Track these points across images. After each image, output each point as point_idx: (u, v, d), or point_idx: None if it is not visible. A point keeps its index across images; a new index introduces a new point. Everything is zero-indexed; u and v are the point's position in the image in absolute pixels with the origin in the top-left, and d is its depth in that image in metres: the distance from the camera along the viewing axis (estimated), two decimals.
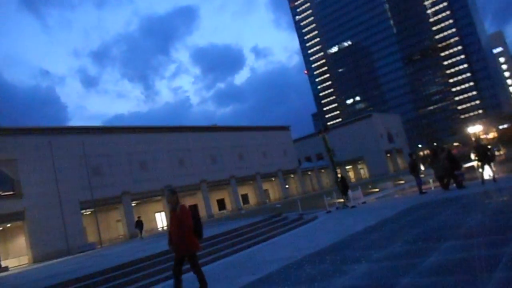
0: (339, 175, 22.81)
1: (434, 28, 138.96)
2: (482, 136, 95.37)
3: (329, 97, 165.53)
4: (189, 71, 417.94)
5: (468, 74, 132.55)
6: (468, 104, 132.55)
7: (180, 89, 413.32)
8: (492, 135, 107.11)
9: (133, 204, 43.51)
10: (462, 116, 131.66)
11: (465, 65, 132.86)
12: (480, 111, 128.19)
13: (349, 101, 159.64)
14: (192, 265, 6.77)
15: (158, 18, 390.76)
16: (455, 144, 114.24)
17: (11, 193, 34.12)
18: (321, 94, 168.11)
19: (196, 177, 50.57)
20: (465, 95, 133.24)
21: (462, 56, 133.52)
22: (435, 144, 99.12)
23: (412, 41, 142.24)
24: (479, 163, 16.59)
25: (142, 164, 45.34)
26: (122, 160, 43.55)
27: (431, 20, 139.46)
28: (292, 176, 68.99)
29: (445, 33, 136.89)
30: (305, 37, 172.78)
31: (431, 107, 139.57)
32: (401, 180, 37.32)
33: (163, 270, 10.55)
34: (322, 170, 79.70)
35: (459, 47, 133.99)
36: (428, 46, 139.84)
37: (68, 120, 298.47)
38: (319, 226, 15.50)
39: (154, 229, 46.24)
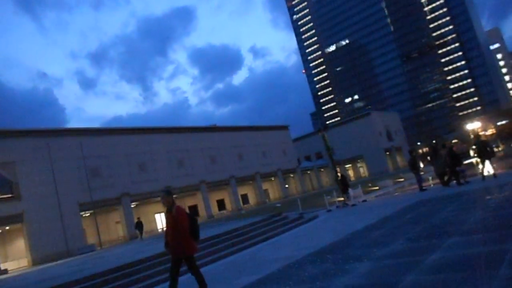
0: (338, 174, 22.75)
1: (431, 26, 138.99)
2: (481, 133, 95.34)
3: (327, 96, 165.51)
4: (187, 72, 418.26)
5: (466, 71, 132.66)
6: (466, 101, 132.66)
7: (179, 90, 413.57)
8: (490, 131, 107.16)
9: (132, 206, 43.39)
10: (460, 113, 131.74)
11: (463, 62, 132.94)
12: (478, 108, 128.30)
13: (348, 100, 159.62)
14: (190, 267, 6.66)
15: (155, 19, 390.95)
16: (454, 141, 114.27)
17: (10, 195, 34.00)
18: (319, 93, 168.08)
19: (196, 177, 50.46)
20: (463, 92, 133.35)
21: (460, 53, 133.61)
22: (434, 141, 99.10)
23: (410, 39, 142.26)
24: (479, 159, 16.56)
25: (141, 165, 45.23)
26: (121, 162, 43.43)
27: (428, 17, 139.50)
28: (292, 175, 68.92)
29: (442, 31, 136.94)
30: (303, 36, 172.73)
31: (430, 105, 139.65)
32: (400, 178, 37.28)
33: (163, 271, 10.46)
34: (322, 169, 79.66)
35: (457, 44, 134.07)
36: (425, 43, 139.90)
37: (67, 122, 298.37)
38: (319, 225, 15.43)
39: (154, 230, 46.12)
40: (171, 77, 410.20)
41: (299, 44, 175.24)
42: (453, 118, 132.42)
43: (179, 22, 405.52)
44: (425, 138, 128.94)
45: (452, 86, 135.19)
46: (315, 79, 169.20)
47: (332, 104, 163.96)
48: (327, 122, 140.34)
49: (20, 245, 35.60)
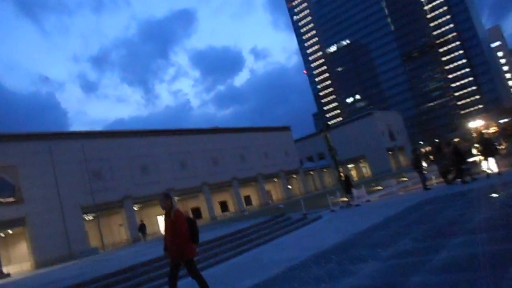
0: (341, 174, 22.63)
1: (432, 25, 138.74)
2: (483, 131, 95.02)
3: (329, 96, 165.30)
4: (188, 74, 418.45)
5: (467, 69, 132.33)
6: (468, 100, 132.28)
7: (180, 92, 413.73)
8: (493, 129, 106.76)
9: (135, 208, 43.35)
10: (462, 112, 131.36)
11: (464, 60, 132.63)
12: (480, 106, 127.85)
13: (349, 100, 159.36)
14: (190, 270, 6.53)
15: (156, 22, 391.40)
16: (456, 139, 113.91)
17: (12, 199, 33.98)
18: (321, 94, 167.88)
19: (198, 179, 50.38)
20: (465, 91, 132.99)
21: (461, 52, 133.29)
22: (436, 140, 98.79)
23: (410, 38, 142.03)
24: (483, 157, 16.42)
25: (143, 168, 45.18)
26: (123, 164, 43.39)
27: (429, 16, 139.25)
28: (294, 176, 68.77)
29: (443, 29, 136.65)
30: (304, 37, 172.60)
31: (431, 104, 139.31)
32: (404, 177, 37.07)
33: (165, 274, 10.31)
34: (324, 170, 79.48)
35: (457, 43, 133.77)
36: (426, 42, 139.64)
37: (69, 126, 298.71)
38: (323, 225, 15.32)
39: (157, 232, 46.03)
40: (172, 80, 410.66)
41: (300, 45, 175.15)
42: (455, 116, 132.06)
43: (179, 25, 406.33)
44: (427, 137, 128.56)
45: (453, 85, 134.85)
46: (316, 79, 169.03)
47: (333, 105, 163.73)
48: (329, 123, 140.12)
49: (22, 248, 35.57)
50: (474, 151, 21.39)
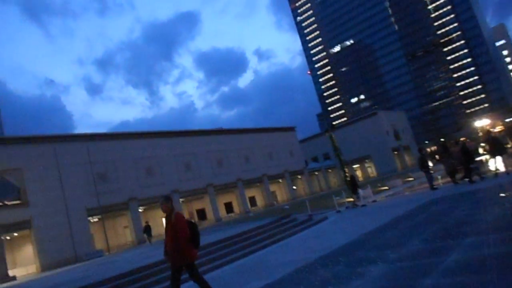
0: (347, 174, 22.47)
1: (436, 24, 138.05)
2: (490, 130, 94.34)
3: (333, 96, 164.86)
4: (192, 76, 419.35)
5: (472, 68, 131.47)
6: (473, 99, 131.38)
7: (185, 94, 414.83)
8: (499, 128, 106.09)
9: (140, 210, 43.34)
10: (468, 111, 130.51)
11: (469, 59, 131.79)
12: (486, 105, 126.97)
13: (354, 100, 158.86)
14: (191, 274, 6.39)
15: (160, 25, 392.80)
16: (462, 139, 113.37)
17: (18, 202, 34.06)
18: (325, 94, 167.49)
19: (203, 181, 50.33)
20: (470, 90, 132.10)
21: (465, 51, 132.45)
22: (442, 139, 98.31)
23: (414, 37, 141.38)
24: (491, 156, 16.21)
25: (148, 170, 45.19)
26: (128, 166, 43.42)
27: (433, 15, 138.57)
28: (299, 177, 68.55)
29: (447, 28, 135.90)
30: (307, 38, 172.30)
31: (436, 103, 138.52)
32: (410, 177, 36.83)
33: (170, 277, 10.25)
34: (330, 170, 79.22)
35: (462, 42, 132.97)
36: (430, 42, 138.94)
37: (74, 129, 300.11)
38: (329, 226, 15.16)
39: (162, 234, 45.95)
40: (177, 82, 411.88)
41: (303, 46, 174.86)
42: (461, 116, 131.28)
43: (183, 27, 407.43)
44: (433, 137, 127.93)
45: (458, 84, 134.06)
46: (320, 80, 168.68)
47: (338, 105, 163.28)
48: (334, 123, 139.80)
49: (28, 251, 35.63)
50: (480, 150, 21.13)
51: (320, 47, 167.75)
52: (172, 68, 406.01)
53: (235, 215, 52.89)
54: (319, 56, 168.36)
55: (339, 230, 13.33)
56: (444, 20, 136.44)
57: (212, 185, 51.08)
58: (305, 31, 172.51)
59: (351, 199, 21.55)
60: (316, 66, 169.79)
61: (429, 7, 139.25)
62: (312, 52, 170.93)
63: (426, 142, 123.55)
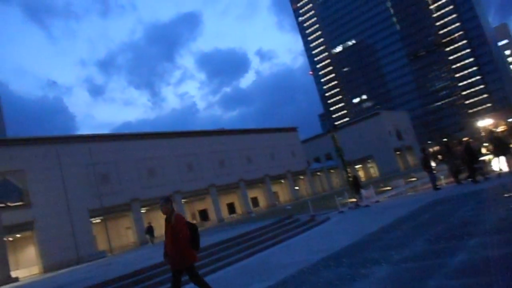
0: (349, 174, 22.39)
1: (438, 24, 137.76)
2: (493, 129, 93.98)
3: (335, 96, 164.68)
4: (194, 77, 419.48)
5: (475, 68, 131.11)
6: (476, 98, 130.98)
7: (186, 94, 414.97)
8: (502, 128, 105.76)
9: (142, 211, 43.33)
10: (470, 111, 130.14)
11: (471, 59, 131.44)
12: (489, 105, 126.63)
13: (356, 100, 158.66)
14: (191, 276, 6.31)
15: (162, 26, 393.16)
16: (465, 138, 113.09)
17: (20, 203, 34.10)
18: (327, 94, 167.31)
19: (205, 181, 50.31)
20: (472, 90, 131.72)
21: (468, 50, 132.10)
22: (445, 139, 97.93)
23: (416, 37, 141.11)
24: (494, 156, 16.11)
25: (150, 170, 45.20)
26: (130, 167, 43.43)
27: (434, 15, 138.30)
28: (302, 177, 68.46)
29: (449, 28, 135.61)
30: (309, 38, 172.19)
31: (439, 103, 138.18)
32: (412, 177, 36.72)
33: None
34: (332, 171, 79.06)
35: (464, 42, 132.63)
36: (432, 41, 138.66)
37: (77, 130, 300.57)
38: (332, 227, 15.09)
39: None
40: (178, 82, 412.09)
41: (305, 46, 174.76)
42: (463, 115, 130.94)
43: (185, 28, 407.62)
44: (435, 137, 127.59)
45: (461, 84, 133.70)
46: (322, 80, 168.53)
47: (340, 105, 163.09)
48: (336, 123, 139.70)
49: (31, 252, 35.64)
50: (483, 150, 21.02)
51: (322, 48, 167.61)
52: (174, 69, 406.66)
53: (237, 216, 52.85)
54: (321, 56, 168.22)
55: (342, 231, 13.26)
56: (446, 20, 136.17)
57: (214, 185, 51.05)
58: (307, 32, 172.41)
59: (354, 200, 21.46)
60: (318, 66, 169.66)
61: (431, 7, 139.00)
62: (314, 52, 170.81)
63: (429, 142, 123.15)
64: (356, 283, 5.89)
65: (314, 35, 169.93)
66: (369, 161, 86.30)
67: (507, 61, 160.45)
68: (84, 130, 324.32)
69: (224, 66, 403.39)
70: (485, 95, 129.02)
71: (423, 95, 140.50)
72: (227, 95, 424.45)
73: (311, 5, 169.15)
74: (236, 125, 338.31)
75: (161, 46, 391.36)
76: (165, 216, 6.44)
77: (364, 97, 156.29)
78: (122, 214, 43.89)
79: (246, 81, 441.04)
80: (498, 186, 13.31)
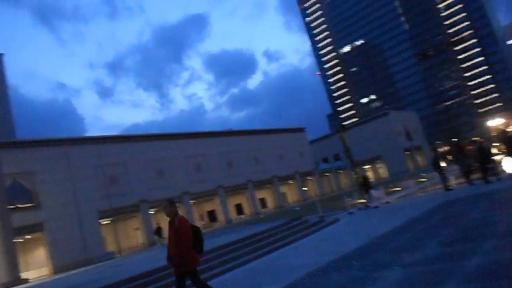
0: (355, 175, 22.18)
1: (447, 23, 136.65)
2: (505, 129, 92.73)
3: (343, 97, 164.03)
4: (202, 78, 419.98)
5: (484, 67, 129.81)
6: (486, 98, 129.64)
7: (194, 96, 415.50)
8: None
9: (151, 212, 43.40)
10: (480, 110, 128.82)
11: (481, 58, 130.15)
12: (499, 104, 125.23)
13: (364, 100, 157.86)
14: (194, 281, 6.19)
15: (170, 27, 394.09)
16: (475, 138, 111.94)
17: (30, 205, 34.33)
18: (335, 95, 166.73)
19: (213, 182, 50.29)
20: (482, 89, 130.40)
21: (477, 49, 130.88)
22: (455, 139, 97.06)
23: (425, 36, 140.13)
24: (506, 156, 15.83)
25: (158, 172, 45.28)
26: (138, 168, 43.55)
27: (443, 14, 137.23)
28: (310, 178, 68.18)
29: (458, 27, 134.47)
30: (316, 38, 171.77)
31: (448, 103, 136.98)
32: (423, 178, 36.32)
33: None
34: (340, 171, 78.65)
35: (474, 40, 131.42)
36: (441, 41, 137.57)
37: (85, 132, 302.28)
38: (342, 228, 14.91)
39: None
40: (186, 84, 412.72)
41: (313, 46, 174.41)
42: (473, 115, 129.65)
43: (193, 29, 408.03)
44: (445, 137, 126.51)
45: (470, 83, 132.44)
46: (330, 80, 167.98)
47: (348, 105, 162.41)
48: (344, 123, 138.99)
49: (40, 254, 35.85)
50: (494, 150, 20.67)
51: (329, 48, 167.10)
52: (182, 71, 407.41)
53: (246, 217, 52.78)
54: (329, 56, 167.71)
55: (351, 233, 13.09)
56: (455, 18, 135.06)
57: (222, 186, 51.02)
58: (314, 32, 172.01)
59: (363, 201, 21.25)
60: (325, 66, 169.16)
61: (440, 6, 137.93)
62: (321, 52, 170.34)
63: (438, 142, 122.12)
64: (369, 287, 5.74)
65: (322, 35, 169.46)
66: (378, 161, 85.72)
67: None
68: (93, 131, 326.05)
69: (231, 67, 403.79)
70: (495, 94, 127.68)
71: (432, 94, 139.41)
72: (234, 96, 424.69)
73: (318, 5, 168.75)
74: (244, 126, 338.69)
75: (169, 47, 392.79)
76: (169, 219, 6.36)
77: (373, 97, 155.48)
78: (130, 215, 44.02)
79: (254, 82, 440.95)
80: (511, 187, 13.06)
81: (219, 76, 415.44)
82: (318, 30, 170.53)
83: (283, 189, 62.80)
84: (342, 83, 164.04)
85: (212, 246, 13.46)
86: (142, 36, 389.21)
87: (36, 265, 35.34)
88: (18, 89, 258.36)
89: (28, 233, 34.48)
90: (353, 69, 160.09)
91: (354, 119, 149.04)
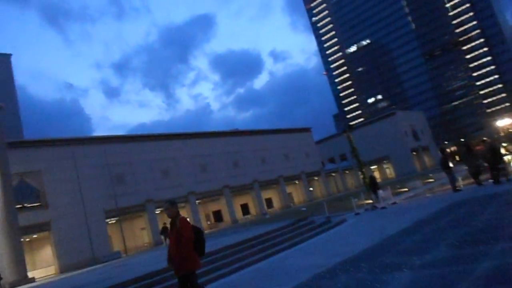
0: (361, 176, 22.03)
1: (454, 22, 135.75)
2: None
3: (350, 97, 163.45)
4: (208, 78, 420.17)
5: (492, 67, 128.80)
6: (494, 98, 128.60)
7: (200, 96, 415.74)
8: None
9: (157, 212, 43.45)
10: (488, 110, 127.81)
11: (489, 58, 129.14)
12: (507, 104, 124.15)
13: (371, 100, 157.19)
14: (191, 285, 6.07)
15: (176, 28, 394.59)
16: (484, 139, 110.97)
17: (37, 204, 34.48)
18: (341, 95, 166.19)
19: (219, 182, 50.25)
20: (490, 89, 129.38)
21: (485, 49, 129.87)
22: (462, 140, 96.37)
23: (432, 36, 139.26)
24: None
25: (164, 171, 45.32)
26: (144, 168, 43.62)
27: (451, 14, 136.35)
28: (316, 178, 67.95)
29: (466, 27, 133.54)
30: (323, 38, 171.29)
31: (456, 103, 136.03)
32: (430, 179, 36.05)
33: None
34: (347, 171, 78.30)
35: (481, 40, 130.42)
36: (448, 40, 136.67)
37: (92, 131, 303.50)
38: (349, 229, 14.78)
39: None
40: (192, 84, 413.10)
41: (319, 46, 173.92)
42: (481, 115, 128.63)
43: (199, 30, 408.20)
44: (453, 137, 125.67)
45: (478, 83, 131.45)
46: (336, 80, 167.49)
47: (355, 105, 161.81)
48: (350, 123, 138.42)
49: (47, 253, 36.01)
50: (502, 150, 20.42)
51: (336, 47, 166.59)
52: (188, 71, 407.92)
53: (252, 217, 52.69)
54: (335, 56, 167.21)
55: (359, 234, 12.96)
56: (462, 18, 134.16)
57: (228, 186, 50.97)
58: (321, 32, 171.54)
59: (370, 201, 21.08)
60: (332, 66, 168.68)
61: (447, 5, 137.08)
62: (328, 52, 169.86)
63: (446, 142, 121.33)
64: None
65: (328, 35, 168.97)
66: (384, 161, 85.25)
67: None
68: (100, 131, 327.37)
69: (237, 67, 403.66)
70: (503, 94, 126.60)
71: (440, 94, 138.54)
72: (240, 96, 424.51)
73: (324, 5, 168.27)
74: (250, 126, 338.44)
75: (175, 48, 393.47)
76: (170, 220, 6.29)
77: (379, 97, 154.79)
78: (137, 215, 44.10)
79: (260, 82, 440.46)
80: None
81: (225, 76, 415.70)
82: (324, 30, 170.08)
83: (289, 189, 62.64)
84: (349, 83, 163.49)
85: (217, 247, 13.39)
86: (149, 36, 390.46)
87: (43, 264, 35.51)
88: (26, 89, 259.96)
89: (35, 232, 34.64)
90: (360, 69, 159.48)
91: (360, 119, 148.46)
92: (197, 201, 47.80)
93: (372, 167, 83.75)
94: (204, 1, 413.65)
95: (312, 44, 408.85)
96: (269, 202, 59.02)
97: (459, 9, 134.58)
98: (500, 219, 8.58)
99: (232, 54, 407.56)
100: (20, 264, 26.62)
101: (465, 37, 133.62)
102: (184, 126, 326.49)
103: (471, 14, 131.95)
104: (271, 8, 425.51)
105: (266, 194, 58.15)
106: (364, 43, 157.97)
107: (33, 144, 37.24)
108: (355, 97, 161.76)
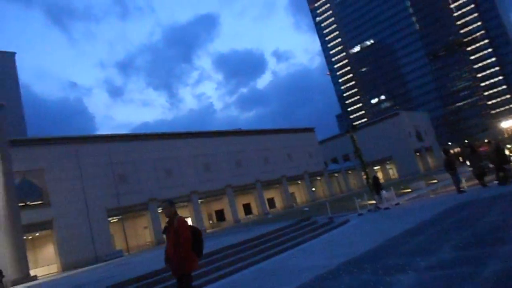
0: (364, 177, 21.91)
1: (459, 23, 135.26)
2: None
3: (353, 97, 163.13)
4: (211, 78, 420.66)
5: (497, 68, 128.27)
6: (498, 99, 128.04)
7: (204, 95, 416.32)
8: None
9: (159, 211, 43.43)
10: (493, 111, 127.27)
11: (493, 59, 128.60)
12: None
13: (374, 101, 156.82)
14: (186, 286, 5.96)
15: (180, 27, 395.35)
16: (489, 139, 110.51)
17: (40, 202, 34.53)
18: (345, 95, 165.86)
19: (222, 182, 50.20)
20: (495, 90, 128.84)
21: (489, 50, 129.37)
22: (466, 141, 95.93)
23: (436, 37, 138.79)
24: None
25: (167, 171, 45.30)
26: (147, 167, 43.61)
27: (455, 14, 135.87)
28: (319, 178, 67.84)
29: (470, 27, 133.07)
30: (326, 38, 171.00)
31: (460, 103, 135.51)
32: (434, 179, 35.86)
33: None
34: (349, 172, 78.17)
35: (486, 41, 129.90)
36: (453, 41, 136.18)
37: (96, 130, 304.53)
38: (352, 230, 14.68)
39: None
40: (196, 83, 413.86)
41: (322, 46, 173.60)
42: (485, 116, 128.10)
43: (203, 29, 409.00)
44: (457, 138, 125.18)
45: (482, 84, 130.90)
46: (340, 80, 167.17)
47: (358, 105, 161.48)
48: (354, 124, 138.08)
49: (49, 251, 36.07)
50: (507, 152, 20.26)
51: (339, 48, 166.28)
52: (192, 70, 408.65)
53: (254, 217, 52.63)
54: (339, 56, 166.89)
55: (362, 234, 12.86)
56: (467, 19, 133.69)
57: (231, 186, 50.93)
58: (324, 32, 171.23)
59: (373, 202, 20.97)
60: (335, 66, 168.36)
61: (452, 6, 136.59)
62: (331, 52, 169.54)
63: (449, 143, 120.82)
64: None
65: (332, 35, 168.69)
66: (388, 162, 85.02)
67: None
68: (103, 130, 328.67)
69: (241, 66, 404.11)
70: (508, 96, 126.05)
71: (444, 95, 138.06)
72: (244, 96, 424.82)
73: (328, 5, 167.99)
74: (253, 125, 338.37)
75: (179, 47, 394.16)
76: (168, 220, 6.22)
77: (383, 97, 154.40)
78: (139, 214, 44.13)
79: (263, 81, 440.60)
80: None
81: (229, 75, 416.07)
82: (328, 30, 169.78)
83: (292, 189, 62.56)
84: (352, 83, 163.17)
85: (220, 246, 13.33)
86: (153, 36, 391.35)
87: (45, 262, 35.57)
88: (30, 88, 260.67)
89: (37, 231, 34.72)
90: (363, 69, 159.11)
91: (363, 120, 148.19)
92: (199, 201, 47.78)
93: (375, 168, 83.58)
94: (208, 1, 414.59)
95: (316, 44, 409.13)
96: (271, 202, 58.94)
97: (463, 10, 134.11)
98: (505, 220, 8.48)
99: (236, 53, 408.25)
100: (22, 262, 26.65)
101: (470, 38, 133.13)
102: (187, 125, 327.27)
103: (475, 15, 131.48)
104: (275, 8, 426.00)
105: (268, 194, 58.08)
106: (368, 43, 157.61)
107: (36, 142, 37.29)
108: (358, 97, 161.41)
